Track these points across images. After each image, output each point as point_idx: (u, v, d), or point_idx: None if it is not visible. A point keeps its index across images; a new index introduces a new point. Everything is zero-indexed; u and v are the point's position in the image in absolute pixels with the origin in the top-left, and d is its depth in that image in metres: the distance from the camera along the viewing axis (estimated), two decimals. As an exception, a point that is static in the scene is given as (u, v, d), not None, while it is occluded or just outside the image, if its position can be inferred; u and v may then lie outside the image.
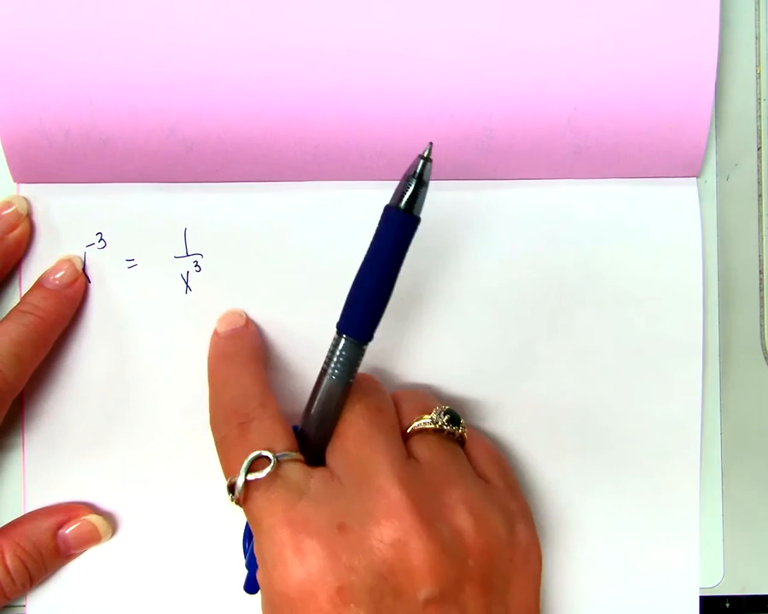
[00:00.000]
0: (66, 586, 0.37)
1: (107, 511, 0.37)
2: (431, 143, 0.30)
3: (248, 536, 0.33)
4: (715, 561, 0.38)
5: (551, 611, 0.37)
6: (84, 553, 0.37)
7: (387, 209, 0.30)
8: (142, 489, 0.37)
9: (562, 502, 0.37)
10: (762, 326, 0.38)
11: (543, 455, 0.37)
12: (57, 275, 0.36)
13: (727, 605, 0.38)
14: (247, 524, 0.32)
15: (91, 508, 0.37)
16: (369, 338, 0.31)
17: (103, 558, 0.37)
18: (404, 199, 0.30)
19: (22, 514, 0.36)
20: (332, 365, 0.31)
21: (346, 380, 0.31)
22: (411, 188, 0.30)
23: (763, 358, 0.38)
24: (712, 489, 0.38)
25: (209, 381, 0.35)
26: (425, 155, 0.30)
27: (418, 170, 0.30)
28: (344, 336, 0.31)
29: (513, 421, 0.37)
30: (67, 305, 0.36)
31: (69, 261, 0.36)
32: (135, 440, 0.37)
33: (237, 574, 0.35)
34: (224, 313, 0.36)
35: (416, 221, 0.30)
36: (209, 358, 0.36)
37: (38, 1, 0.34)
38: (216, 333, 0.36)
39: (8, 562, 0.34)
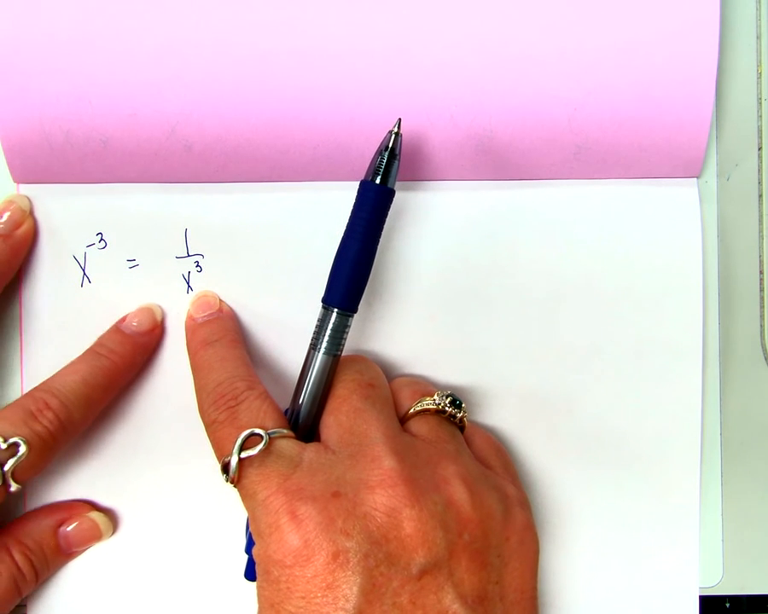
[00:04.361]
0: (67, 586, 0.37)
1: (107, 508, 0.37)
2: (399, 119, 0.32)
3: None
4: (715, 560, 0.38)
5: (550, 609, 0.37)
6: (84, 553, 0.37)
7: (363, 183, 0.32)
8: (142, 488, 0.37)
9: (562, 501, 0.37)
10: (762, 326, 0.38)
11: (542, 454, 0.37)
12: (135, 322, 0.36)
13: (727, 604, 0.38)
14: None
15: (92, 506, 0.37)
16: (354, 308, 0.33)
17: (103, 558, 0.37)
18: (379, 172, 0.32)
19: (23, 513, 0.36)
20: (320, 339, 0.32)
21: (334, 353, 0.32)
22: (385, 161, 0.32)
23: (763, 358, 0.38)
24: (712, 489, 0.38)
25: (193, 369, 0.35)
26: (395, 130, 0.32)
27: (390, 144, 0.32)
28: (329, 308, 0.32)
29: (512, 420, 0.37)
30: (141, 353, 0.36)
31: (149, 309, 0.36)
32: (135, 438, 0.37)
33: (239, 570, 0.35)
34: (196, 296, 0.36)
35: (391, 193, 0.32)
36: (189, 346, 0.36)
37: (39, 2, 0.34)
38: (191, 318, 0.36)
39: (17, 559, 0.34)
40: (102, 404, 0.35)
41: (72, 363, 0.35)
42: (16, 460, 0.32)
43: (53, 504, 0.37)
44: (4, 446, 0.32)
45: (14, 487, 0.32)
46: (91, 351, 0.35)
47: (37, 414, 0.33)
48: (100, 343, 0.36)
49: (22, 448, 0.32)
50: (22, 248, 0.36)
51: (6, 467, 0.32)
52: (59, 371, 0.35)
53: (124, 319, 0.36)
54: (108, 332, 0.36)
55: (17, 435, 0.32)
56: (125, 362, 0.35)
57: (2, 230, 0.35)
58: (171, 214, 0.36)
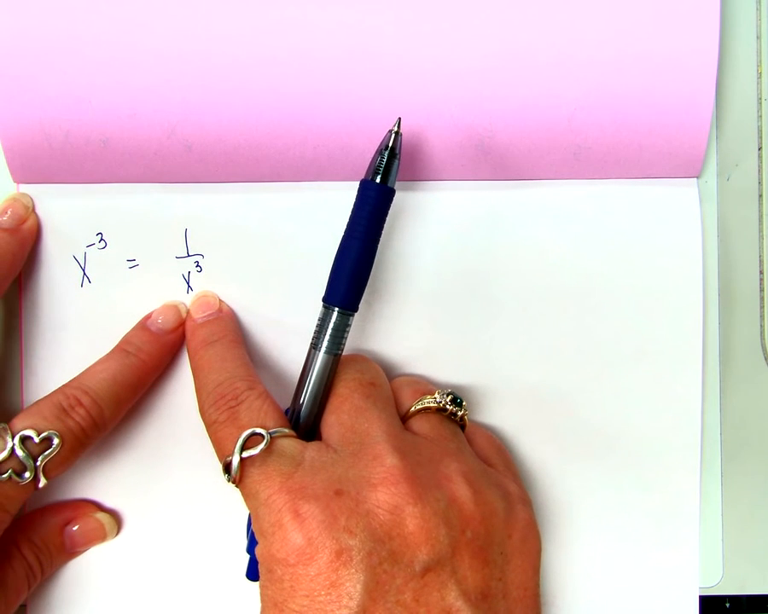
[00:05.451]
0: (67, 585, 0.37)
1: (110, 509, 0.37)
2: (399, 118, 0.32)
3: (251, 523, 0.33)
4: (715, 560, 0.38)
5: (551, 608, 0.37)
6: (86, 552, 0.37)
7: (363, 182, 0.32)
8: (144, 488, 0.37)
9: (562, 500, 0.37)
10: (762, 326, 0.38)
11: (542, 454, 0.37)
12: (160, 319, 0.36)
13: (727, 604, 0.38)
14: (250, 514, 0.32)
15: (97, 506, 0.37)
16: (355, 308, 0.33)
17: (104, 557, 0.37)
18: (379, 171, 0.32)
19: (26, 512, 0.36)
20: (321, 338, 0.32)
21: (335, 352, 0.33)
22: (385, 161, 0.32)
23: (763, 358, 0.38)
24: (712, 489, 0.38)
25: (193, 369, 0.35)
26: (395, 129, 0.32)
27: (390, 143, 0.32)
28: (330, 307, 0.32)
29: (512, 420, 0.37)
30: (167, 352, 0.36)
31: (174, 306, 0.36)
32: (138, 438, 0.37)
33: (240, 570, 0.35)
34: (196, 296, 0.36)
35: (391, 192, 0.32)
36: (189, 346, 0.36)
37: (39, 2, 0.34)
38: (191, 318, 0.36)
39: (27, 556, 0.34)
40: (130, 403, 0.35)
41: (101, 361, 0.35)
42: (49, 454, 0.32)
43: (59, 503, 0.37)
44: (37, 440, 0.32)
45: (42, 482, 0.32)
46: (120, 349, 0.35)
47: (70, 410, 0.33)
48: (127, 341, 0.35)
49: (56, 442, 0.32)
50: (28, 243, 0.36)
51: (38, 461, 0.32)
52: (88, 368, 0.35)
53: (149, 316, 0.36)
54: (135, 329, 0.36)
55: (50, 429, 0.32)
56: (152, 361, 0.35)
57: (8, 225, 0.35)
58: (171, 214, 0.36)
